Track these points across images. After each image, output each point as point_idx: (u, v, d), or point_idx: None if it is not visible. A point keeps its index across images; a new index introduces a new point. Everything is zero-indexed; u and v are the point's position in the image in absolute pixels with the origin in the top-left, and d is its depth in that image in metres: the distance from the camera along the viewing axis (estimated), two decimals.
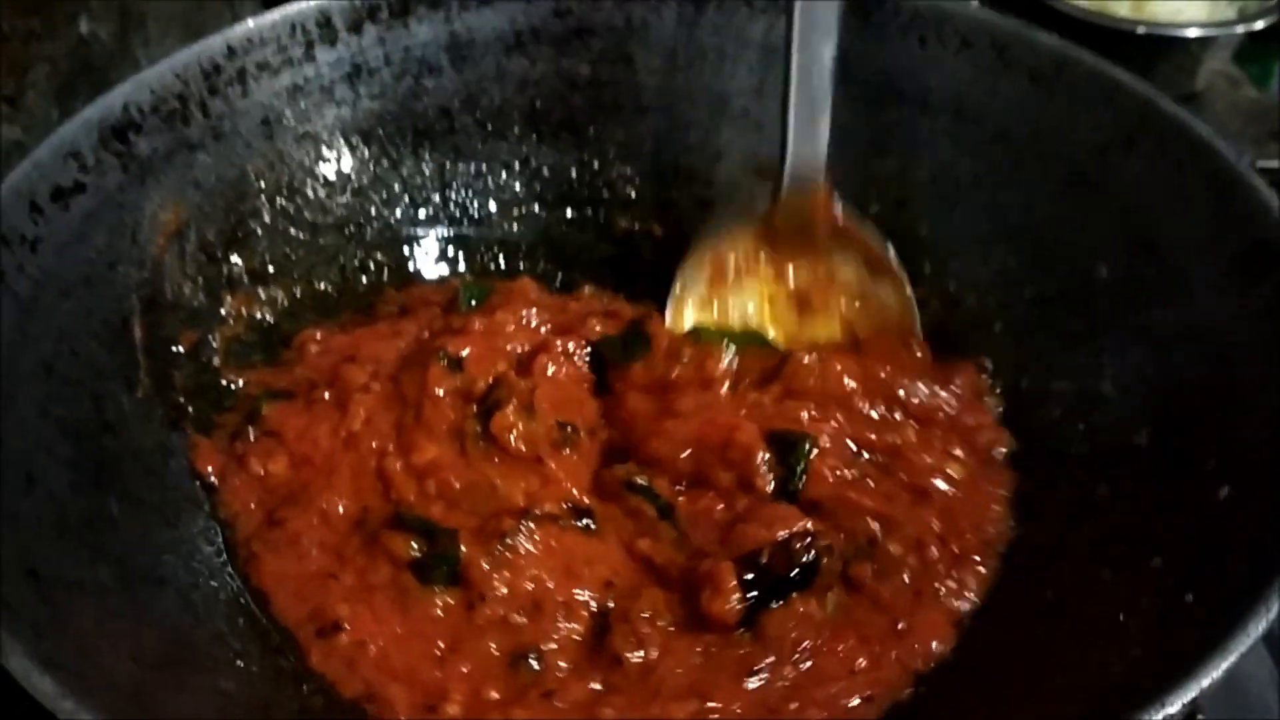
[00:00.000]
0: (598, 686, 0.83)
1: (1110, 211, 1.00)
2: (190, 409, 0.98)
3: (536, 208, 1.21)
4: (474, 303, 1.08)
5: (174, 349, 0.98)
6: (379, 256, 1.15)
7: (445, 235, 1.18)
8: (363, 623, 0.86)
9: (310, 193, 1.12)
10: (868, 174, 1.14)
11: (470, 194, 1.19)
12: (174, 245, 1.00)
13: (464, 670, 0.84)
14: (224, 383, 1.02)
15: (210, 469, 0.95)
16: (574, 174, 1.21)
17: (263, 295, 1.08)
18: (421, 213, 1.18)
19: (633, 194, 1.21)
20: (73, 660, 0.66)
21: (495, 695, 0.82)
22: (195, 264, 1.02)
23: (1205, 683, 0.62)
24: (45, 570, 0.73)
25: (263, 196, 1.08)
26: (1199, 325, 0.91)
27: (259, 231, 1.08)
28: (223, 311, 1.04)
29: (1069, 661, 0.77)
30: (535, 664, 0.84)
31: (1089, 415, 0.96)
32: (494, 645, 0.85)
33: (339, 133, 1.13)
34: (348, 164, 1.14)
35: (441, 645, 0.85)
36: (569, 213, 1.21)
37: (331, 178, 1.13)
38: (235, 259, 1.06)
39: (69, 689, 0.61)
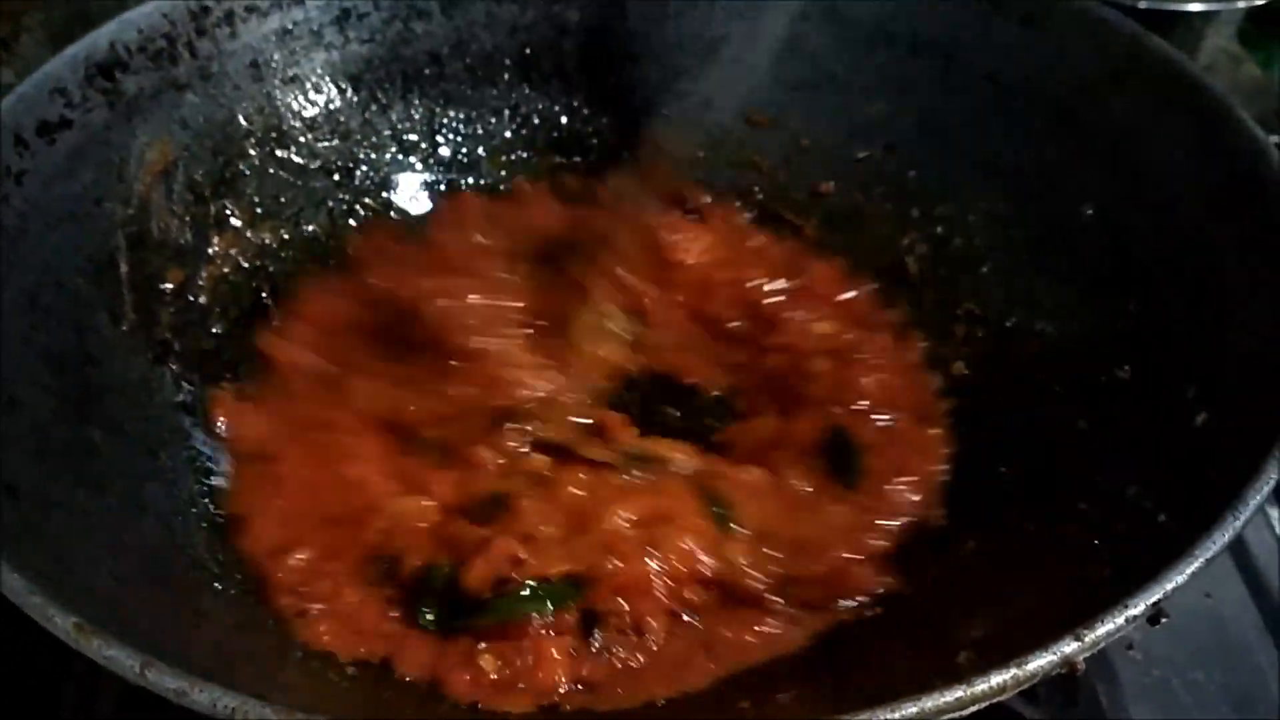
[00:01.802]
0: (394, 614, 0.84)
1: (1098, 150, 1.00)
2: (176, 345, 0.98)
3: (525, 154, 1.21)
4: None
5: (160, 286, 0.98)
6: (367, 201, 1.15)
7: (434, 180, 1.18)
8: (291, 460, 0.90)
9: (298, 136, 1.12)
10: (856, 118, 1.14)
11: (460, 140, 1.19)
12: (161, 184, 1.00)
13: (329, 538, 0.86)
14: (210, 320, 1.03)
15: (223, 421, 0.95)
16: (564, 121, 1.21)
17: (250, 237, 1.07)
18: (410, 158, 1.18)
19: (622, 142, 1.21)
20: (49, 569, 0.66)
21: (338, 566, 0.84)
22: (183, 203, 1.02)
23: (1169, 586, 0.62)
24: (24, 487, 0.74)
25: (251, 139, 1.08)
26: (1184, 259, 0.91)
27: (247, 173, 1.08)
28: (210, 251, 1.04)
29: (1035, 585, 0.77)
30: (385, 569, 0.85)
31: (1073, 352, 0.95)
32: (372, 536, 0.87)
33: (328, 76, 1.13)
34: (336, 108, 1.14)
35: (336, 511, 0.87)
36: (558, 160, 1.21)
37: (320, 121, 1.13)
38: (223, 200, 1.06)
39: (40, 588, 0.61)
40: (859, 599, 0.85)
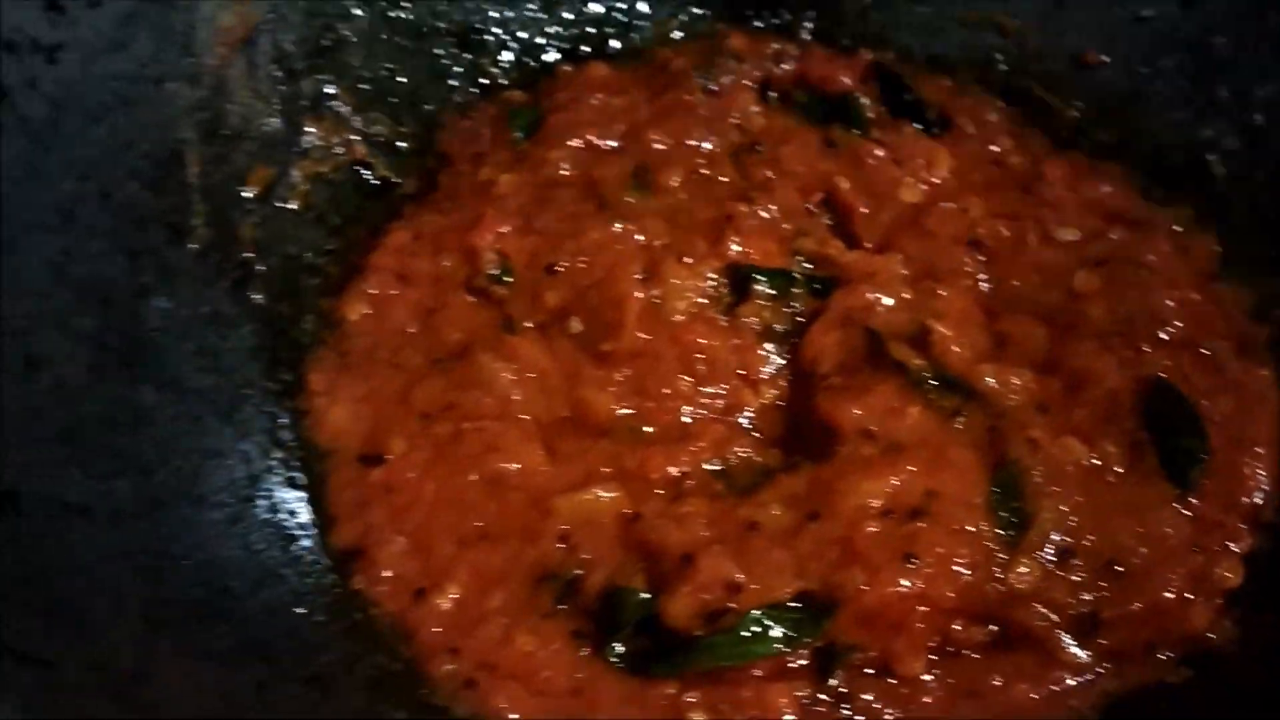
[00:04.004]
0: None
1: None
2: (259, 267, 0.82)
3: (697, 9, 1.00)
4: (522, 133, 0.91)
5: (240, 190, 0.83)
6: (497, 72, 0.97)
7: (585, 41, 0.99)
8: (406, 464, 0.73)
9: None
10: None
11: None
12: (241, 57, 0.85)
13: (482, 560, 0.69)
14: (304, 233, 0.86)
15: (319, 387, 0.79)
16: None
17: (356, 121, 0.91)
18: (555, 14, 0.99)
19: None
20: (40, 637, 0.50)
21: (500, 599, 0.68)
22: (269, 81, 0.87)
23: None
24: (31, 491, 0.59)
25: None
26: None
27: (353, 40, 0.92)
28: (304, 142, 0.89)
29: None
30: (562, 592, 0.68)
31: None
32: (539, 550, 0.70)
33: None
34: None
35: (486, 522, 0.71)
36: (746, 11, 0.99)
37: None
38: (320, 76, 0.89)
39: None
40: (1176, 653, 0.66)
